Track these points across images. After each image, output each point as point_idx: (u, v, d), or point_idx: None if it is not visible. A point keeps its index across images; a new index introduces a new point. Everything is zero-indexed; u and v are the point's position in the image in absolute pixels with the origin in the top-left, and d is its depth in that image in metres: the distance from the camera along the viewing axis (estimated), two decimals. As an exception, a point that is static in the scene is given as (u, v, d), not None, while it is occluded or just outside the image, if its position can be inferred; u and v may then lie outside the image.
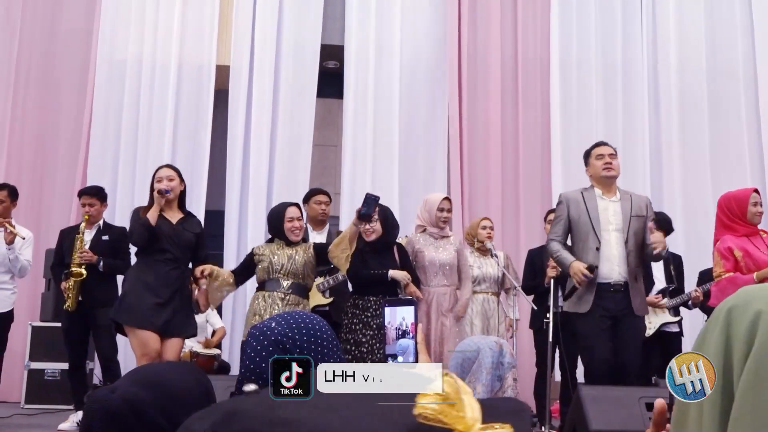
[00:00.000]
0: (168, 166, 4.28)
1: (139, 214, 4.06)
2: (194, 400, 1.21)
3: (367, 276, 4.32)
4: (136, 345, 3.90)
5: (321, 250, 4.19)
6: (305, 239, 4.38)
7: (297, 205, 4.40)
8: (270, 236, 4.40)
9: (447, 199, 4.80)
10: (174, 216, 4.12)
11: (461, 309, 4.55)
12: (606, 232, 3.91)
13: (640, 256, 3.96)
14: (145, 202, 4.24)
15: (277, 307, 3.99)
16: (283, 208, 4.30)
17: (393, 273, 4.32)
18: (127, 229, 4.36)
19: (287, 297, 4.05)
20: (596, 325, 3.88)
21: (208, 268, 4.10)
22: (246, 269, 4.30)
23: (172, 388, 1.19)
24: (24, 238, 4.90)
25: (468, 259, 4.83)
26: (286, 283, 4.08)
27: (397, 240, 4.58)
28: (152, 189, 4.09)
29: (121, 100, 6.74)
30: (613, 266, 3.88)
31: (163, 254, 3.98)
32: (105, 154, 6.65)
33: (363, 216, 3.88)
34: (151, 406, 1.14)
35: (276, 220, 4.26)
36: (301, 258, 4.14)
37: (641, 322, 4.01)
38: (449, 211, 4.71)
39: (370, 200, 3.86)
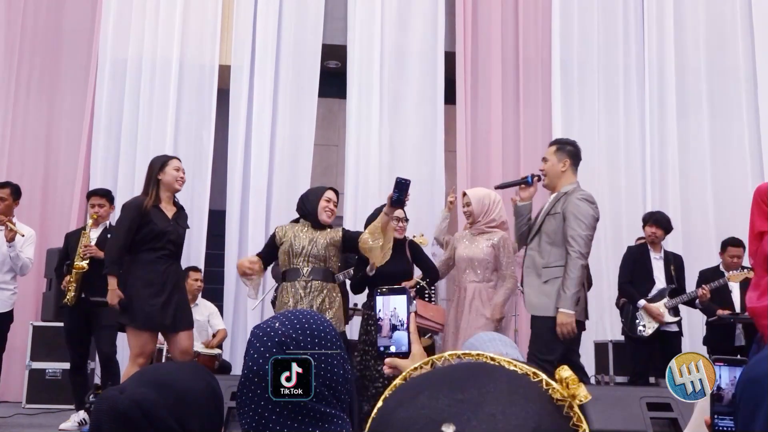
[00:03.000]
0: (178, 158, 4.26)
1: (140, 208, 3.99)
2: (202, 400, 1.21)
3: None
4: (136, 345, 3.92)
5: (350, 235, 3.98)
6: (331, 226, 4.10)
7: (335, 190, 4.29)
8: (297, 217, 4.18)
9: (464, 193, 4.64)
10: (170, 210, 4.13)
11: (496, 311, 4.23)
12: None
13: (558, 253, 3.67)
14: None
15: (300, 297, 3.81)
16: (322, 189, 4.16)
17: None
18: (117, 220, 4.21)
19: (309, 284, 3.85)
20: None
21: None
22: (270, 249, 4.05)
23: (181, 388, 1.19)
24: (24, 236, 4.91)
25: (509, 256, 4.40)
26: (306, 270, 3.87)
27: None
28: (155, 175, 4.07)
29: (122, 100, 6.73)
30: None
31: (161, 251, 4.01)
32: (107, 154, 6.65)
33: (396, 202, 3.59)
34: (160, 406, 1.14)
35: (313, 197, 4.05)
36: (324, 240, 3.91)
37: (538, 321, 3.66)
38: (466, 204, 4.50)
39: (402, 184, 3.52)
